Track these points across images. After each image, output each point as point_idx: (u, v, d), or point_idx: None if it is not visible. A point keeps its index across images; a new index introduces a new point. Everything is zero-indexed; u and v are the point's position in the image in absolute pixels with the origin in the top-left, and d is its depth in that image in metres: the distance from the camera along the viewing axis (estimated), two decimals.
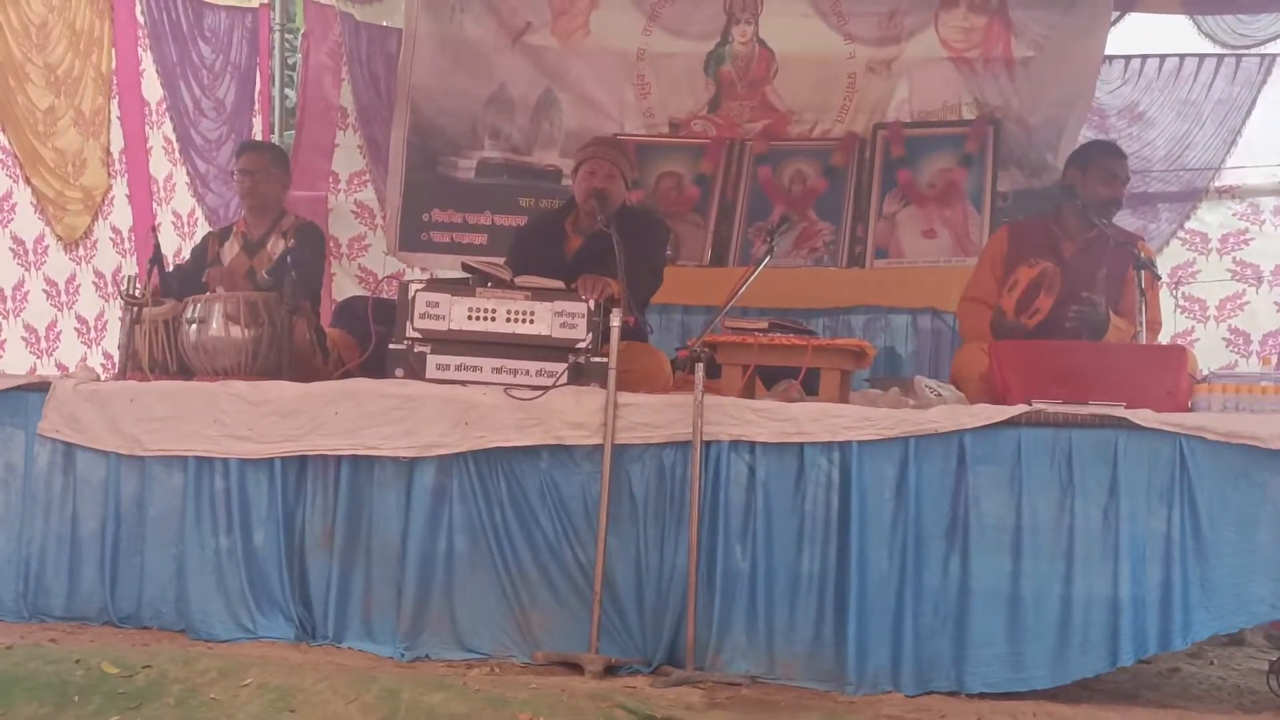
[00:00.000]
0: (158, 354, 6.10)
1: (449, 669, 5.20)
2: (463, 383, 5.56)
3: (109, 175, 7.84)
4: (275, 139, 9.15)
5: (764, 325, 5.73)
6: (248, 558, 5.57)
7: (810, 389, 5.56)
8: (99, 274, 7.78)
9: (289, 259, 6.36)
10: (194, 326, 6.02)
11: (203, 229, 8.40)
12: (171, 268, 7.17)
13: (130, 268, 7.73)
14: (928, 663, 5.07)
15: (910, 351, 8.05)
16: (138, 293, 6.16)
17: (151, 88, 8.19)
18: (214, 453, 5.61)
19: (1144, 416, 5.00)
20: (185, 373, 6.07)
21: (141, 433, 5.69)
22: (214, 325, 5.99)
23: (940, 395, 5.67)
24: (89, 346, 7.72)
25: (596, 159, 6.62)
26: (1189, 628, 4.93)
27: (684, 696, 4.81)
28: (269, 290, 6.19)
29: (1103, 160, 6.41)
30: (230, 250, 6.98)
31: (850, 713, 4.73)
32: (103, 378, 6.30)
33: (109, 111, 7.85)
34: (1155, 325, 6.32)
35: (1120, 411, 5.02)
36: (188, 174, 8.52)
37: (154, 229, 7.02)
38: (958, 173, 8.28)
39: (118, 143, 7.95)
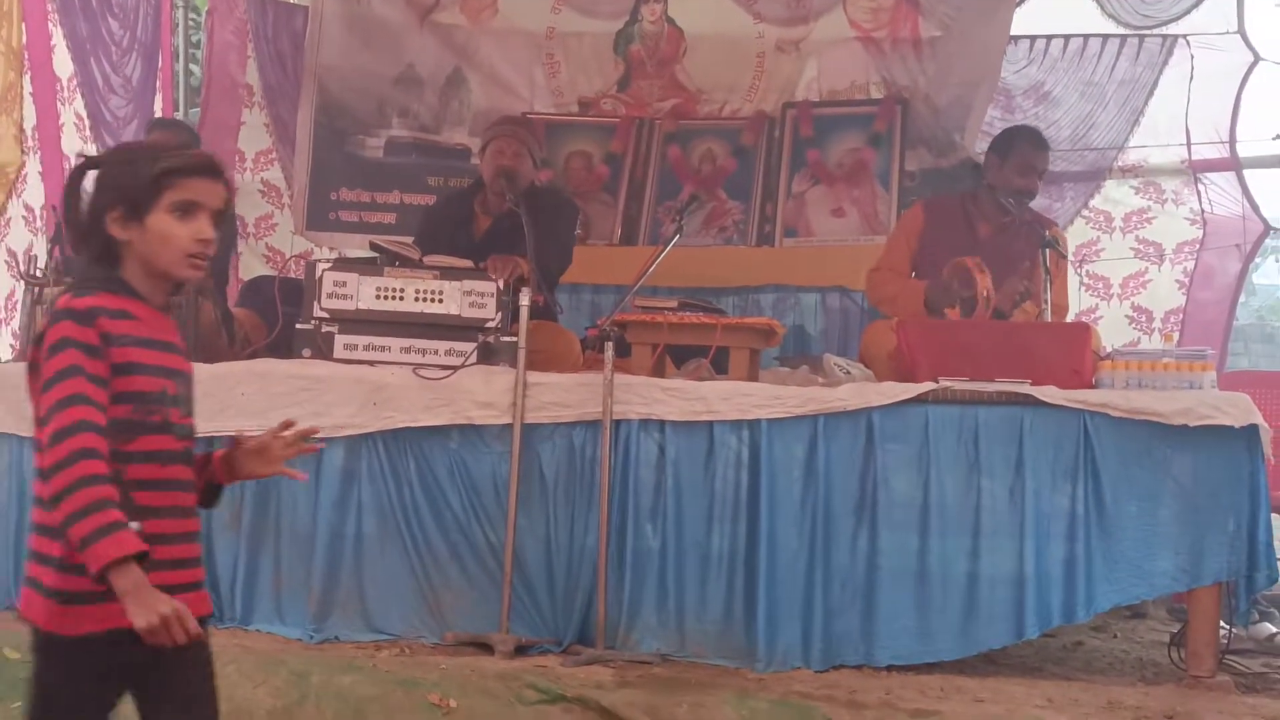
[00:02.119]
0: None
1: (359, 650, 5.18)
2: (371, 363, 5.53)
3: (22, 152, 7.69)
4: (180, 117, 9.00)
5: (674, 304, 5.75)
6: None
7: (720, 368, 5.58)
8: (11, 252, 7.62)
9: None
10: None
11: None
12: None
13: (42, 246, 7.60)
14: (837, 638, 5.12)
15: (819, 330, 8.07)
16: (39, 272, 6.06)
17: (63, 63, 8.04)
18: None
19: (1049, 394, 5.06)
20: None
21: None
22: None
23: (849, 373, 5.71)
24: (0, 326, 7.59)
25: (504, 138, 6.58)
26: (1092, 600, 5.03)
27: (594, 675, 4.83)
28: None
29: (1025, 151, 6.37)
30: None
31: (760, 690, 4.76)
32: (7, 358, 6.19)
33: (21, 87, 7.71)
34: (1061, 308, 6.37)
35: (1026, 389, 5.09)
36: (98, 152, 8.37)
37: (54, 208, 6.92)
38: (866, 152, 8.31)
39: (30, 119, 7.81)
